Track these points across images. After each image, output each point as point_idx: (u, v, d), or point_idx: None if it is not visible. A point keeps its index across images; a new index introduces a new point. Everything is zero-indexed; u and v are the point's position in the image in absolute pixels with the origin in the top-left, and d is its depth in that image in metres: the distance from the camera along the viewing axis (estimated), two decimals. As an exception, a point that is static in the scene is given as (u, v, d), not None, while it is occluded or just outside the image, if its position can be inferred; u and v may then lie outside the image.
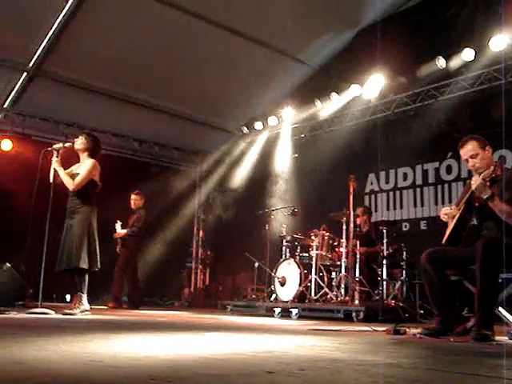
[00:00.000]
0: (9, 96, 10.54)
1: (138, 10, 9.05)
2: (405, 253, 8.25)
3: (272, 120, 11.52)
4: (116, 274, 9.46)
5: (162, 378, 1.89)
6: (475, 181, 4.22)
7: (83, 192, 6.40)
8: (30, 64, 9.79)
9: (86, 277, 6.34)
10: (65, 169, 6.45)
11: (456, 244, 4.41)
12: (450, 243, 4.44)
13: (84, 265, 6.17)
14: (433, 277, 4.27)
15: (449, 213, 4.52)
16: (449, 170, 9.47)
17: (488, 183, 4.21)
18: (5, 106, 10.76)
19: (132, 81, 10.67)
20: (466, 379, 2.18)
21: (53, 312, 5.93)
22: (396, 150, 10.11)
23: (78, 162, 6.61)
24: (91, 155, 6.53)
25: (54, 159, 6.39)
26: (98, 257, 6.42)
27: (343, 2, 9.69)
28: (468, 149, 4.46)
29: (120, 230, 9.61)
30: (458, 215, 4.40)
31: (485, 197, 4.16)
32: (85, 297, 6.31)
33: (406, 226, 9.99)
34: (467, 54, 8.43)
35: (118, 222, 9.64)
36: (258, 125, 11.87)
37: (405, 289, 8.20)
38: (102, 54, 9.82)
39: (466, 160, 4.50)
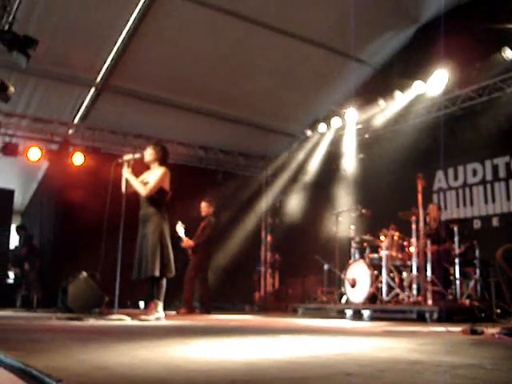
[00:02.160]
0: (78, 111, 10.91)
1: (197, 20, 9.23)
2: (477, 251, 8.01)
3: (335, 121, 11.46)
4: (187, 281, 9.59)
5: (243, 382, 1.91)
6: None
7: (155, 200, 6.55)
8: (98, 79, 10.12)
9: (164, 284, 6.50)
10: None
11: None
12: None
13: (158, 273, 6.31)
14: (510, 274, 4.15)
15: None
16: (520, 163, 9.18)
17: None
18: (75, 121, 11.15)
19: (195, 90, 10.86)
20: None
21: (129, 318, 6.09)
22: (464, 146, 9.88)
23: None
24: (161, 164, 6.71)
25: (125, 169, 6.58)
26: (173, 263, 6.57)
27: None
28: None
29: (183, 235, 9.61)
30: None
31: None
32: (161, 304, 6.46)
33: (477, 224, 9.74)
34: (535, 43, 8.16)
35: (180, 223, 9.66)
36: (322, 127, 11.83)
37: (479, 288, 7.95)
38: (164, 65, 10.07)
39: None
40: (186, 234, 9.76)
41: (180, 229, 9.65)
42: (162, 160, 6.75)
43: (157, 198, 6.57)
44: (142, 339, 3.75)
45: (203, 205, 10.07)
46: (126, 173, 6.55)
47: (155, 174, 6.61)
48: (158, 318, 6.34)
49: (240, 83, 10.77)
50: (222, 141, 12.83)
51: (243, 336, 4.27)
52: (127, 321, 6.01)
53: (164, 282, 6.51)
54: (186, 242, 9.66)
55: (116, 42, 9.36)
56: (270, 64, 10.42)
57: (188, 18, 9.16)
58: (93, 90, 10.39)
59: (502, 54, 8.48)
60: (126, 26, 9.05)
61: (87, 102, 10.66)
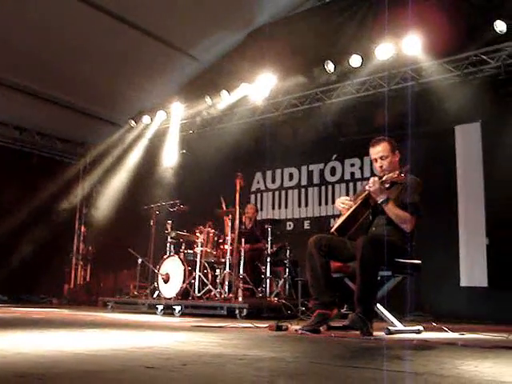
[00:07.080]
0: None
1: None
2: (288, 251, 8.40)
3: (160, 114, 11.31)
4: None
5: (33, 376, 1.80)
6: (373, 183, 4.28)
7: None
8: None
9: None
10: None
11: (344, 235, 4.45)
12: (339, 233, 4.46)
13: None
14: (316, 261, 4.32)
15: (346, 203, 4.57)
16: (333, 171, 9.75)
17: (386, 186, 4.33)
18: None
19: (15, 65, 10.09)
20: (348, 371, 2.21)
21: None
22: (283, 151, 10.29)
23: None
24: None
25: None
26: None
27: (236, 2, 9.69)
28: (379, 150, 4.53)
29: None
30: (353, 208, 4.46)
31: (380, 200, 4.26)
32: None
33: (290, 225, 10.18)
34: (355, 61, 8.64)
35: None
36: (146, 118, 11.60)
37: (287, 286, 8.33)
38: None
39: (375, 160, 4.57)
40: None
41: None
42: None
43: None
44: None
45: None
46: None
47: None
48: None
49: (64, 64, 10.18)
50: (40, 123, 12.11)
51: (45, 329, 4.04)
52: None
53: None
54: None
55: None
56: (99, 48, 9.96)
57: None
58: None
59: (325, 66, 8.87)
60: None
61: None
